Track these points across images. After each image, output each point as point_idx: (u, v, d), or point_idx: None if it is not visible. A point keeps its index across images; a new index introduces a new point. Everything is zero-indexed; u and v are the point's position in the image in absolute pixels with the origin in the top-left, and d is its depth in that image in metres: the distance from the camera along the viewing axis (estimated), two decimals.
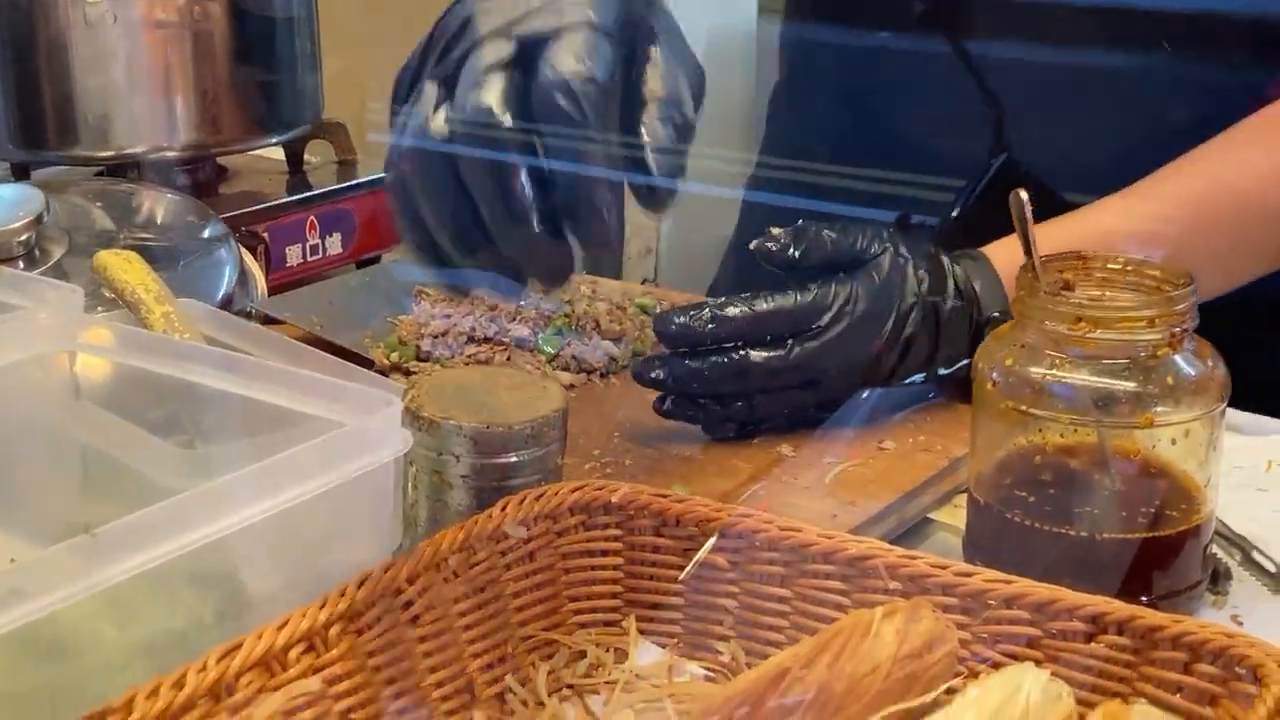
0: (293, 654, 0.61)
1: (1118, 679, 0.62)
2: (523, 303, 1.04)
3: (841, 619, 0.60)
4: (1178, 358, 0.74)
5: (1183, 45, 1.04)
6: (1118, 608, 0.62)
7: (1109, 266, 0.77)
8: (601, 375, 1.03)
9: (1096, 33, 1.09)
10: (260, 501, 0.62)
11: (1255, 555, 0.81)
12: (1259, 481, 0.90)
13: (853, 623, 0.59)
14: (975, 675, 0.61)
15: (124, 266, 0.90)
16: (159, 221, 1.09)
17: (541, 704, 0.69)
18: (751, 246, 0.92)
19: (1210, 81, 1.03)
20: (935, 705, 0.57)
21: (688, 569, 0.71)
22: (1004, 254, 0.94)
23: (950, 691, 0.58)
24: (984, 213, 1.03)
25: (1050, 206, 0.95)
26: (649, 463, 0.90)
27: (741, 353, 0.89)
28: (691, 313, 0.89)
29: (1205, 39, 1.04)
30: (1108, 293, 0.76)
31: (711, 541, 0.71)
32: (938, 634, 0.59)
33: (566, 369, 1.02)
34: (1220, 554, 0.81)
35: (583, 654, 0.72)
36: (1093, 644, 0.62)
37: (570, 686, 0.71)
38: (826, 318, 0.90)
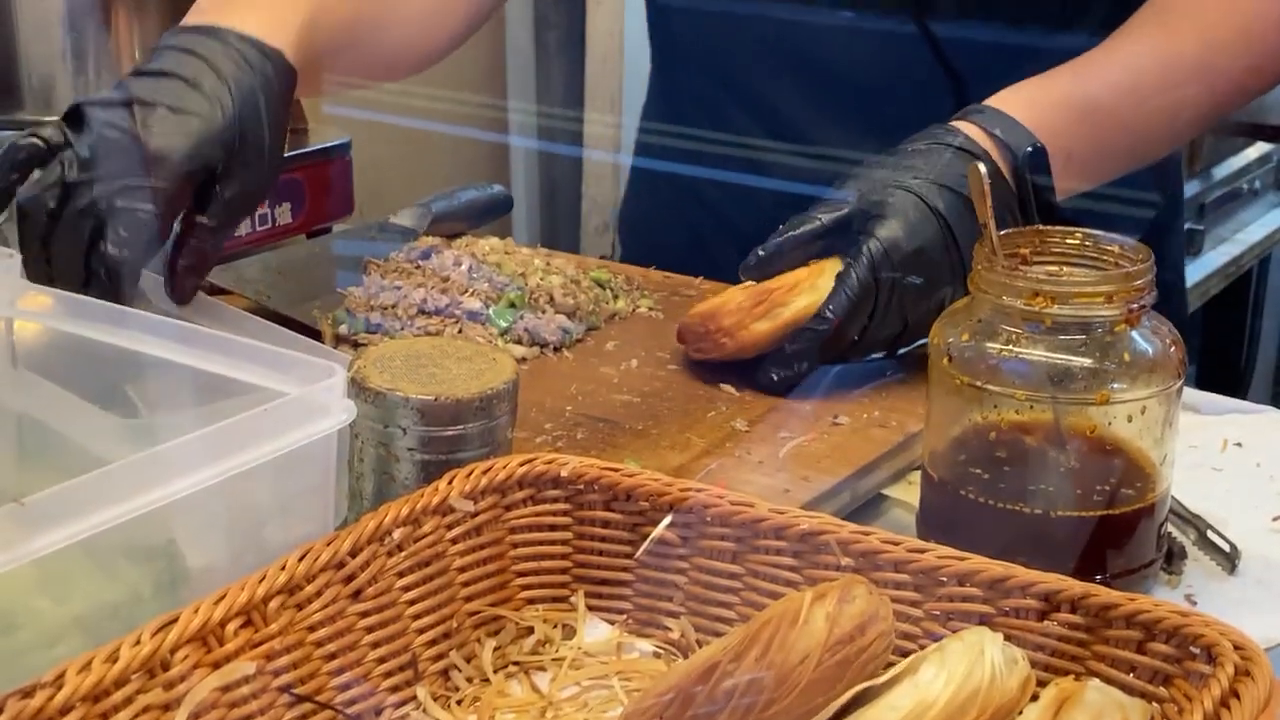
0: (230, 628, 0.60)
1: (1071, 657, 0.61)
2: (474, 275, 1.02)
3: (772, 605, 0.59)
4: (1135, 334, 0.73)
5: None
6: (1071, 585, 0.62)
7: (1067, 241, 0.76)
8: (555, 349, 1.01)
9: (1055, 9, 1.08)
10: (198, 471, 0.60)
11: (1210, 535, 0.80)
12: (1214, 461, 0.90)
13: (782, 610, 0.57)
14: None
15: None
16: None
17: (487, 680, 0.68)
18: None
19: None
20: (890, 682, 0.56)
21: (642, 548, 0.70)
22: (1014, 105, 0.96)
23: (890, 666, 0.57)
24: None
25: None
26: (602, 437, 0.89)
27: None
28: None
29: None
30: (1065, 268, 0.76)
31: (667, 520, 0.70)
32: (871, 613, 0.57)
33: (519, 342, 1.01)
34: (1175, 533, 0.80)
35: (530, 630, 0.71)
36: (1046, 622, 0.62)
37: (517, 663, 0.69)
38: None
